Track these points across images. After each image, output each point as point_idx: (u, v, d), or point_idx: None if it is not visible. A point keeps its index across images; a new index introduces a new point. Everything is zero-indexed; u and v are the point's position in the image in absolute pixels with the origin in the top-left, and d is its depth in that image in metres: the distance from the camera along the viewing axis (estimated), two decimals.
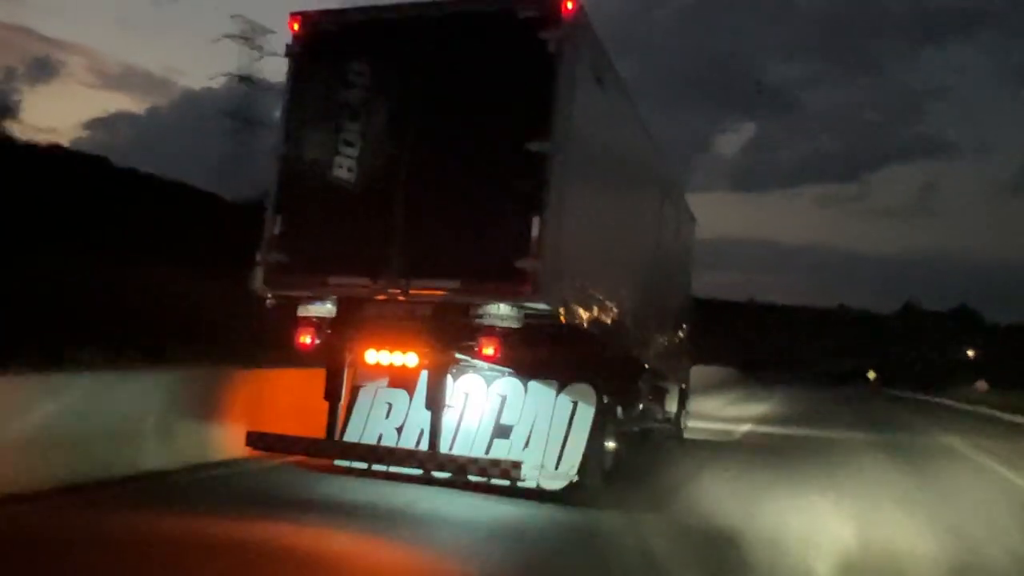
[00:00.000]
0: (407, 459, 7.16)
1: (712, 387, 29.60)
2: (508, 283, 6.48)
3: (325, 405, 8.25)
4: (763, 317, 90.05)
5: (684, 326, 14.09)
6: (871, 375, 63.60)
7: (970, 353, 76.30)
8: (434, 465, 6.99)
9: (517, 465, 6.81)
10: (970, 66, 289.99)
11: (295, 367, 9.57)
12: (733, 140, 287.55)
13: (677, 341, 13.45)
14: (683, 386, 14.26)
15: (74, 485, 6.60)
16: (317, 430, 7.68)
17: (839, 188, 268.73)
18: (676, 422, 13.85)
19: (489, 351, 6.61)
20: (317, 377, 7.73)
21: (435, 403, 7.09)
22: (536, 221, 6.46)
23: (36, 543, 5.22)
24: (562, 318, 6.78)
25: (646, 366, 10.86)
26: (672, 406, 13.47)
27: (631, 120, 8.99)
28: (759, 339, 75.64)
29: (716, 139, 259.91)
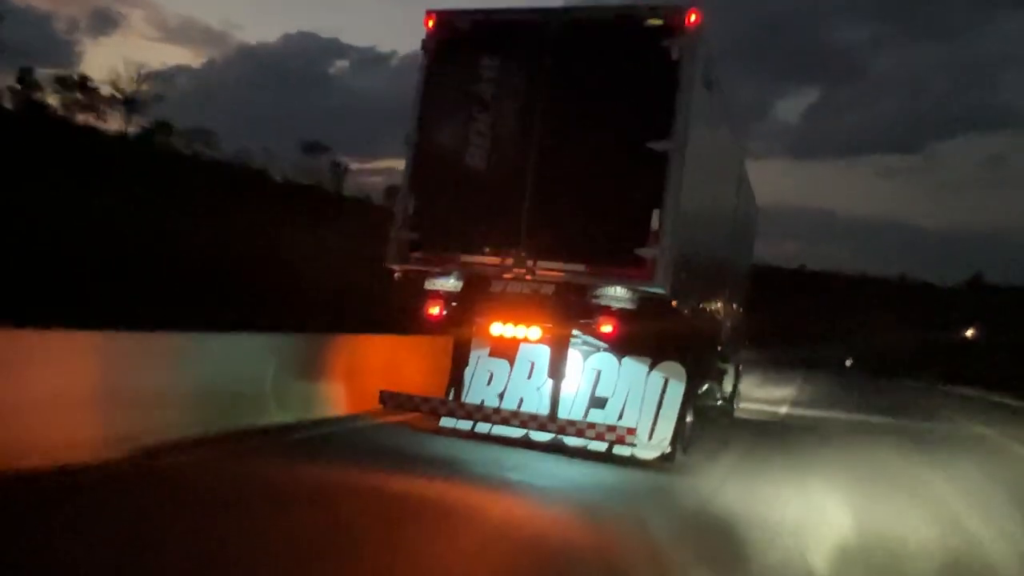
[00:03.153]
0: (530, 421, 8.03)
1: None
2: (629, 268, 7.31)
3: (408, 365, 9.15)
4: (813, 285, 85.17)
5: (742, 309, 14.90)
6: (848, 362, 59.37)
7: (968, 333, 69.99)
8: (555, 427, 7.87)
9: (632, 431, 7.70)
10: None
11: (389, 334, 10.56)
12: (794, 106, 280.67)
13: (737, 325, 14.28)
14: (739, 366, 15.13)
15: (217, 436, 7.39)
16: (403, 387, 8.61)
17: (902, 158, 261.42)
18: (730, 400, 14.70)
19: (607, 328, 7.46)
20: (404, 342, 8.46)
21: (556, 373, 7.98)
22: (656, 213, 7.28)
23: (203, 489, 5.92)
24: (673, 302, 7.60)
25: (719, 348, 11.73)
26: (728, 385, 14.34)
27: (725, 116, 9.73)
28: (809, 307, 70.86)
29: (776, 105, 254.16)
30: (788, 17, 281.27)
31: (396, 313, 10.73)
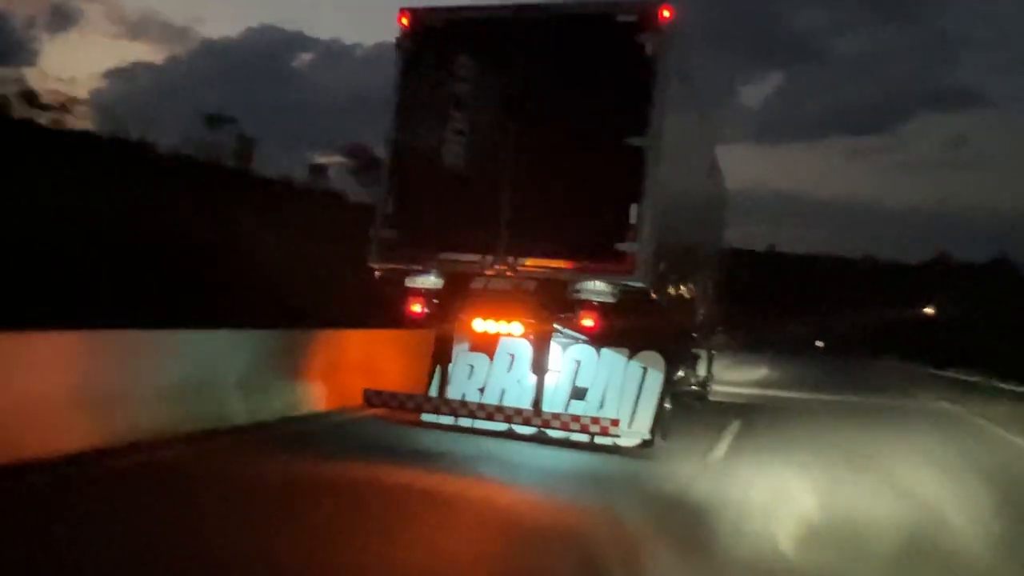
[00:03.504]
0: (515, 416, 8.15)
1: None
2: (610, 263, 7.44)
3: (383, 361, 9.25)
4: (783, 267, 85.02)
5: (715, 294, 15.16)
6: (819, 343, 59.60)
7: (928, 310, 68.80)
8: (540, 421, 8.00)
9: (616, 423, 7.86)
10: (1004, 13, 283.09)
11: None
12: (758, 91, 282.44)
13: (710, 311, 14.53)
14: (712, 352, 15.41)
15: (201, 432, 7.45)
16: (380, 383, 8.78)
17: (868, 140, 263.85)
18: (703, 385, 14.97)
19: (589, 323, 7.59)
20: (378, 337, 9.02)
21: (539, 367, 8.10)
22: (634, 208, 7.41)
23: (192, 481, 6.05)
24: (653, 294, 7.75)
25: (693, 335, 11.94)
26: (702, 370, 14.61)
27: (697, 105, 9.87)
28: (779, 289, 70.64)
29: (740, 90, 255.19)
30: (750, 3, 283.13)
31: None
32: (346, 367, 10.02)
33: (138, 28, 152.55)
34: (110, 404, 6.78)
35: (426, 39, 8.26)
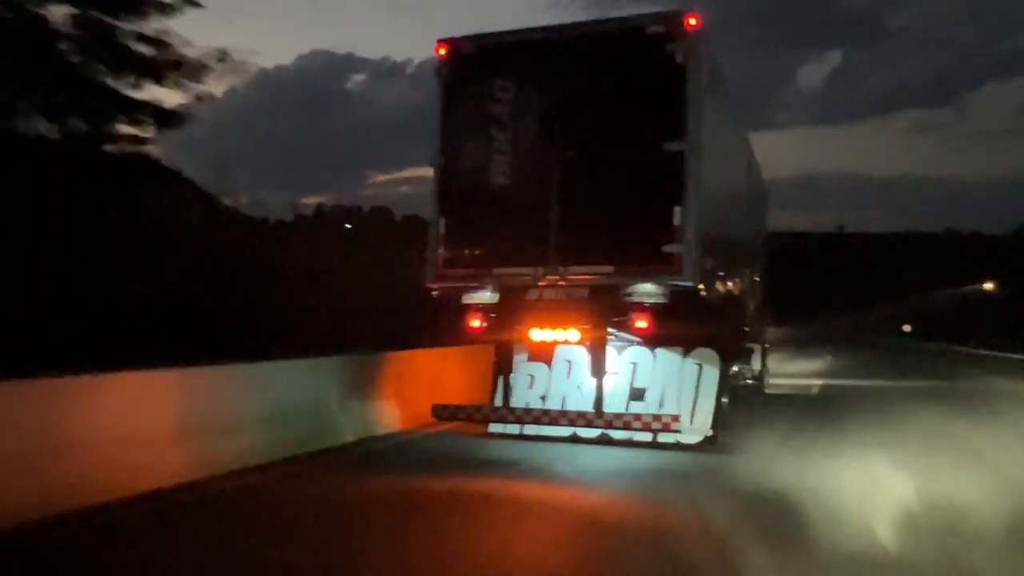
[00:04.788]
0: (578, 419, 8.48)
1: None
2: (657, 265, 7.75)
3: (450, 377, 9.58)
4: (854, 247, 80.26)
5: (763, 288, 15.36)
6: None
7: (988, 286, 64.70)
8: (603, 423, 8.32)
9: (676, 418, 8.15)
10: None
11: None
12: (816, 71, 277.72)
13: (759, 305, 14.75)
14: (765, 345, 15.60)
15: (291, 457, 7.85)
16: (449, 398, 9.16)
17: (933, 113, 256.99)
18: (759, 378, 15.14)
19: (642, 324, 7.89)
20: (443, 355, 9.42)
21: (598, 371, 8.44)
22: (677, 211, 7.72)
23: (284, 506, 6.39)
24: (702, 292, 8.03)
25: (745, 329, 12.17)
26: (756, 364, 14.82)
27: (730, 105, 10.14)
28: (851, 271, 65.81)
29: (798, 72, 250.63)
30: None
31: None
32: (416, 385, 10.39)
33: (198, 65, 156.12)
34: (205, 435, 7.18)
35: (464, 66, 8.67)
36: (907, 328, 58.65)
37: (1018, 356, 34.09)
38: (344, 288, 14.05)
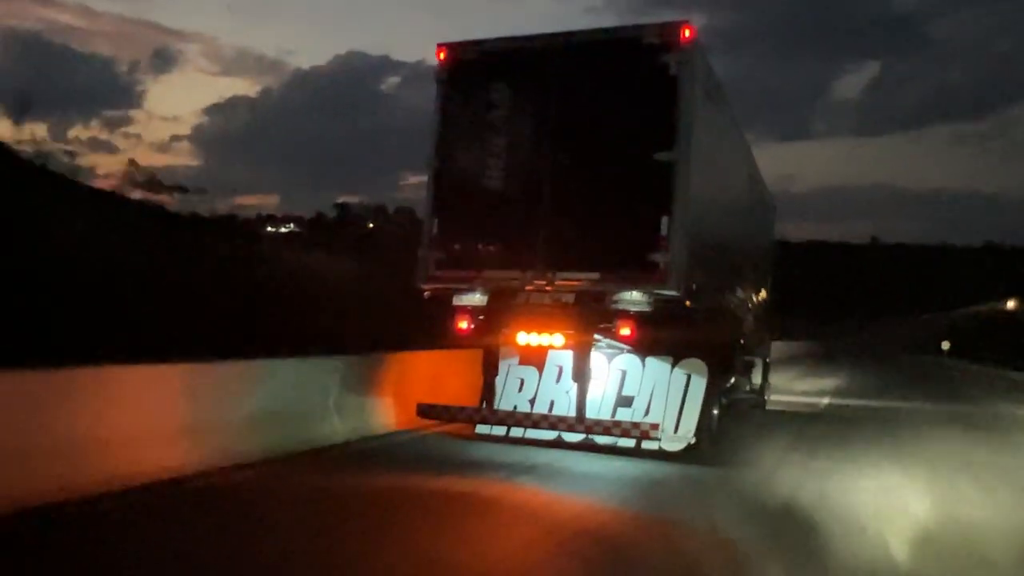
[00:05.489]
0: (559, 423, 8.57)
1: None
2: (642, 273, 7.83)
3: (446, 379, 9.69)
4: (888, 259, 77.76)
5: (766, 306, 15.34)
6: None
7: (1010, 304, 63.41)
8: (583, 428, 8.41)
9: (656, 427, 8.20)
10: None
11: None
12: (853, 82, 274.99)
13: (761, 319, 14.72)
14: (766, 360, 15.55)
15: (282, 455, 7.89)
16: (444, 400, 9.18)
17: (972, 126, 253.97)
18: (760, 393, 15.11)
19: (626, 331, 7.97)
20: (440, 357, 9.59)
21: (581, 376, 8.51)
22: (665, 220, 7.79)
23: (275, 500, 6.51)
24: (688, 303, 8.09)
25: (741, 342, 12.17)
26: (757, 378, 14.77)
27: (728, 121, 10.20)
28: (885, 284, 63.49)
29: (834, 83, 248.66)
30: None
31: None
32: (412, 386, 10.46)
33: (233, 64, 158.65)
34: (206, 431, 7.30)
35: (462, 71, 8.80)
36: (946, 345, 54.29)
37: None
38: (344, 288, 14.26)
